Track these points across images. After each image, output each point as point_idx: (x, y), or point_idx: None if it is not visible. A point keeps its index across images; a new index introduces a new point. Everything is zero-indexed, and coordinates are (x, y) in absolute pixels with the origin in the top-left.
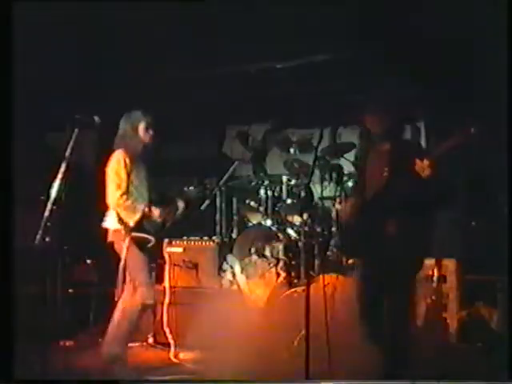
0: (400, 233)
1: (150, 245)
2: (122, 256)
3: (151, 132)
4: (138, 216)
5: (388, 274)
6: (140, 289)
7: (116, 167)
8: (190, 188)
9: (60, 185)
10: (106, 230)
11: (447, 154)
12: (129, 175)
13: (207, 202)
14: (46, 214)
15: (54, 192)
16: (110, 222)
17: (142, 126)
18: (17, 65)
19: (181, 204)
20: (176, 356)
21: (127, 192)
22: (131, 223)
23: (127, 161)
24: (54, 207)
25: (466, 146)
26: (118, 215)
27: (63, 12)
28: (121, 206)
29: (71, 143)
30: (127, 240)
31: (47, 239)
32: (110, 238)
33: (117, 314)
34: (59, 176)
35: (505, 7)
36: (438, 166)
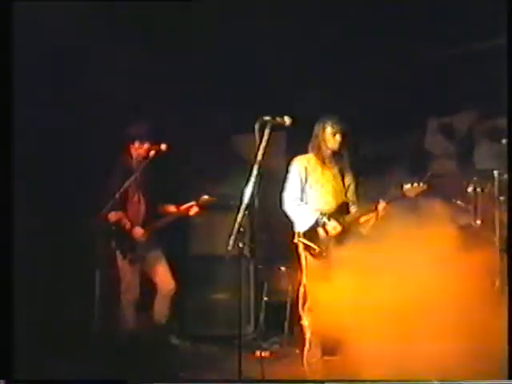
0: None
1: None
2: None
3: (339, 138)
4: (310, 224)
5: None
6: None
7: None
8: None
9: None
10: None
11: None
12: (306, 179)
13: None
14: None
15: None
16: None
17: (328, 131)
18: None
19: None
20: None
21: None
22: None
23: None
24: None
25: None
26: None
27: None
28: (293, 210)
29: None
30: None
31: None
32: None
33: None
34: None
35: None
36: None
